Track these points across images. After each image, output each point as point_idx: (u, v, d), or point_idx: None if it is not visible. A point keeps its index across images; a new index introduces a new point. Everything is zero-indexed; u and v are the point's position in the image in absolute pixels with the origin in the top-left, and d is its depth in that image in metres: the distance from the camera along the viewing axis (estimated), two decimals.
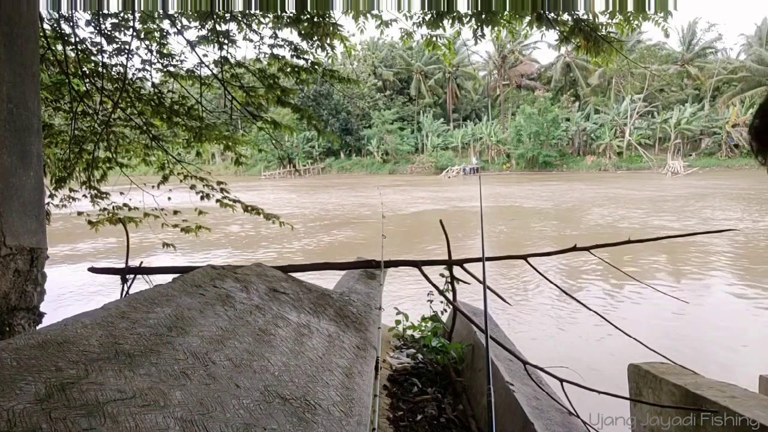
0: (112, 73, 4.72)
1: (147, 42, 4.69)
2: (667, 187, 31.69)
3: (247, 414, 1.22)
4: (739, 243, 13.17)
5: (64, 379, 1.11)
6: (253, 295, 2.17)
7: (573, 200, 25.08)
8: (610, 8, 3.81)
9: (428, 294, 3.97)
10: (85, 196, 4.88)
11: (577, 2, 3.87)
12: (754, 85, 47.69)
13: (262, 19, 4.70)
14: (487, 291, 2.19)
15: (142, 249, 10.62)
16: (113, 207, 4.88)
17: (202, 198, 5.11)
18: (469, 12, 4.08)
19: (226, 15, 4.54)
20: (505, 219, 19.11)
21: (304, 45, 4.73)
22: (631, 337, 2.74)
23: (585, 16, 4.00)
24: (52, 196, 4.58)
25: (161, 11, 4.49)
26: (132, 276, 3.21)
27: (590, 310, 3.18)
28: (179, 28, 4.68)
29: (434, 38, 4.47)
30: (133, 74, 4.87)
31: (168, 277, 2.30)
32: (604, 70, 48.82)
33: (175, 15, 4.59)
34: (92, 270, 3.39)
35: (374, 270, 3.49)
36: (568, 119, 51.66)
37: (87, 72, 4.56)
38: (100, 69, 4.56)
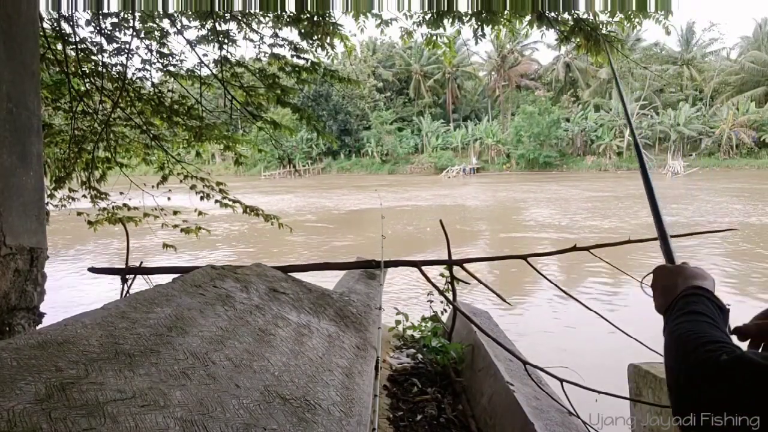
0: (112, 72, 4.71)
1: (147, 42, 4.69)
2: (663, 186, 31.69)
3: (247, 414, 1.22)
4: (738, 242, 13.17)
5: (64, 379, 1.11)
6: (253, 295, 2.17)
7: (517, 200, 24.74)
8: (610, 7, 3.81)
9: (428, 294, 3.97)
10: (84, 196, 4.88)
11: (578, 1, 3.87)
12: (752, 86, 47.85)
13: (262, 19, 4.70)
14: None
15: (141, 250, 10.62)
16: (113, 207, 4.88)
17: (201, 198, 5.10)
18: (469, 11, 4.07)
19: (226, 14, 4.53)
20: (435, 218, 18.79)
21: (304, 44, 4.73)
22: (631, 337, 2.74)
23: (585, 15, 4.00)
24: (51, 195, 4.58)
25: (161, 11, 4.48)
26: (132, 276, 3.21)
27: (590, 309, 3.18)
28: (179, 27, 4.67)
29: (434, 37, 4.47)
30: (133, 74, 4.87)
31: (168, 277, 2.29)
32: (606, 70, 48.78)
33: (175, 15, 4.58)
34: (92, 270, 3.39)
35: (374, 270, 3.49)
36: (568, 119, 51.60)
37: (87, 71, 4.56)
38: (100, 68, 4.55)
